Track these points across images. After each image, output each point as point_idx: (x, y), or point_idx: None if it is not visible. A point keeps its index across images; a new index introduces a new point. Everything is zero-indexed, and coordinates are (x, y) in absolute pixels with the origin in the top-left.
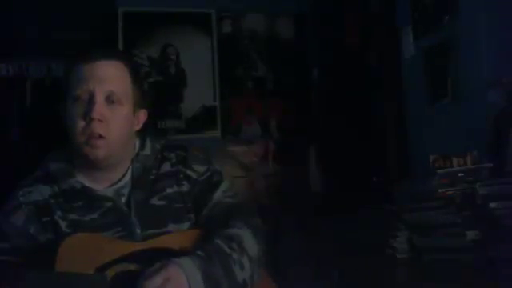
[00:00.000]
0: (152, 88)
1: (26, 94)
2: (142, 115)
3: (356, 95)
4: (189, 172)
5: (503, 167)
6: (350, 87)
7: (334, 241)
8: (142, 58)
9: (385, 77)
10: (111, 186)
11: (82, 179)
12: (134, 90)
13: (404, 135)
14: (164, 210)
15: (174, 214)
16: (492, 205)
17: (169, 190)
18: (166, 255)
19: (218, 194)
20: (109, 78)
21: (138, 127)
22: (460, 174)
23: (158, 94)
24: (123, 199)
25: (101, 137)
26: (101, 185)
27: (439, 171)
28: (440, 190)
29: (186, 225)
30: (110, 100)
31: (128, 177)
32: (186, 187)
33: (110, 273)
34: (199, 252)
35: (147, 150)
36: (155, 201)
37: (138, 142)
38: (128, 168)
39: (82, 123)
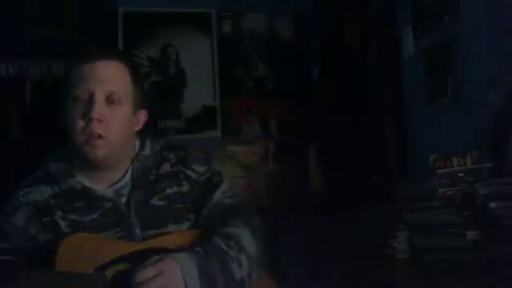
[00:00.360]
0: (152, 88)
1: (25, 94)
2: (142, 115)
3: (356, 95)
4: (189, 172)
5: (503, 167)
6: (350, 87)
7: (333, 241)
8: (141, 57)
9: (385, 77)
10: (111, 186)
11: (82, 179)
12: (134, 90)
13: (404, 135)
14: (164, 210)
15: (174, 215)
16: (492, 205)
17: (169, 191)
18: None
19: (217, 195)
20: (109, 78)
21: (137, 127)
22: (460, 174)
23: (158, 94)
24: (123, 199)
25: (100, 137)
26: (101, 185)
27: (439, 171)
28: (440, 190)
29: (186, 225)
30: (109, 100)
31: (128, 177)
32: (185, 187)
33: (110, 273)
34: (197, 248)
35: (147, 151)
36: (155, 201)
37: (137, 143)
38: (128, 168)
39: (81, 123)
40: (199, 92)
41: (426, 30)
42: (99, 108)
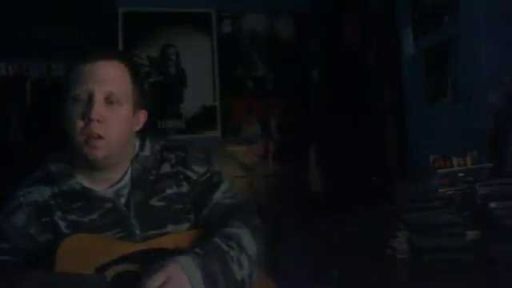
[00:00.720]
0: (152, 88)
1: (25, 94)
2: (142, 116)
3: (356, 95)
4: (188, 173)
5: (503, 167)
6: (350, 87)
7: (333, 241)
8: (141, 57)
9: (385, 77)
10: (111, 186)
11: (82, 180)
12: (134, 90)
13: (404, 135)
14: (163, 210)
15: (174, 215)
16: (492, 205)
17: (168, 191)
18: (165, 256)
19: (217, 195)
20: (108, 79)
21: (137, 128)
22: (460, 174)
23: (158, 94)
24: (123, 200)
25: (100, 137)
26: (100, 185)
27: (439, 171)
28: (440, 190)
29: (186, 226)
30: (109, 100)
31: (128, 177)
32: (185, 188)
33: (110, 273)
34: (197, 250)
35: (147, 151)
36: (155, 202)
37: (137, 143)
38: (128, 169)
39: (81, 124)
40: (199, 92)
41: (426, 30)
42: (99, 108)
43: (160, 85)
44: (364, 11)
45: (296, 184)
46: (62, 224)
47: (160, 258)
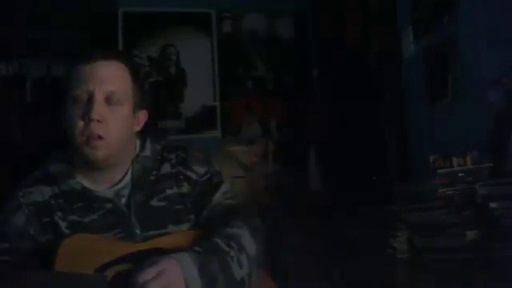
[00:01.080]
0: (152, 88)
1: (25, 93)
2: (142, 116)
3: (356, 95)
4: (189, 173)
5: (503, 167)
6: (350, 87)
7: (333, 241)
8: (142, 57)
9: (385, 77)
10: (111, 187)
11: (82, 180)
12: (134, 90)
13: (404, 135)
14: (164, 211)
15: (174, 216)
16: (492, 205)
17: (169, 191)
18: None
19: (218, 196)
20: (109, 79)
21: (138, 128)
22: (460, 174)
23: (158, 94)
24: (123, 200)
25: (100, 137)
26: (101, 186)
27: (439, 171)
28: (440, 190)
29: (186, 226)
30: (109, 100)
31: (128, 178)
32: (186, 188)
33: (110, 273)
34: (196, 248)
35: (147, 151)
36: (155, 202)
37: (138, 143)
38: (128, 169)
39: (81, 124)
40: (199, 92)
41: (426, 30)
42: (99, 108)
43: (160, 85)
44: (364, 11)
45: (296, 184)
46: (63, 224)
47: None
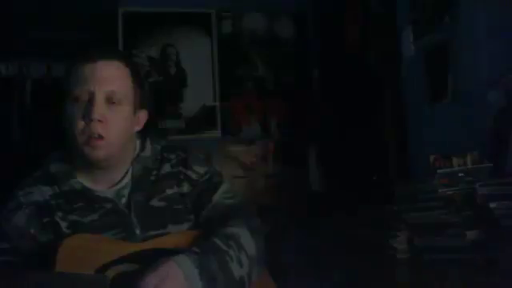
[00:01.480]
0: (152, 88)
1: (25, 94)
2: (143, 116)
3: (356, 95)
4: (189, 173)
5: (503, 167)
6: (350, 87)
7: (333, 240)
8: (141, 57)
9: (385, 77)
10: (111, 186)
11: (83, 180)
12: (135, 90)
13: (404, 135)
14: (164, 211)
15: (174, 215)
16: (492, 205)
17: (169, 191)
18: (165, 256)
19: (218, 196)
20: (109, 78)
21: (138, 128)
22: (460, 174)
23: (158, 94)
24: (123, 200)
25: (101, 137)
26: (101, 186)
27: (439, 171)
28: (440, 190)
29: (186, 226)
30: (110, 100)
31: (128, 178)
32: (186, 188)
33: (110, 273)
34: (195, 248)
35: (147, 151)
36: (155, 202)
37: (138, 143)
38: (128, 169)
39: (81, 124)
40: (199, 92)
41: (426, 30)
42: (99, 108)
43: (160, 85)
44: (364, 11)
45: (296, 184)
46: (63, 224)
47: (160, 257)
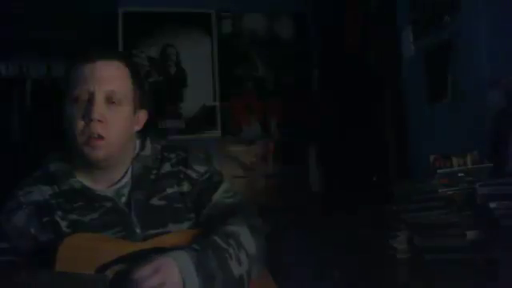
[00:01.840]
0: (152, 88)
1: (26, 94)
2: (143, 115)
3: (356, 95)
4: (189, 172)
5: (503, 167)
6: (350, 87)
7: (334, 241)
8: (141, 58)
9: (385, 77)
10: (111, 186)
11: (83, 179)
12: (135, 90)
13: (404, 135)
14: (164, 210)
15: (174, 214)
16: (492, 205)
17: (169, 190)
18: None
19: (218, 195)
20: (109, 78)
21: (138, 127)
22: (460, 174)
23: (158, 94)
24: (123, 199)
25: (100, 137)
26: (101, 185)
27: (439, 171)
28: (440, 190)
29: (186, 225)
30: (110, 100)
31: (128, 177)
32: (186, 187)
33: (110, 273)
34: (194, 245)
35: (147, 151)
36: (155, 201)
37: (138, 143)
38: (128, 168)
39: (81, 123)
40: (199, 92)
41: (426, 30)
42: (99, 108)
43: (160, 85)
44: (364, 11)
45: (296, 184)
46: (63, 223)
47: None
